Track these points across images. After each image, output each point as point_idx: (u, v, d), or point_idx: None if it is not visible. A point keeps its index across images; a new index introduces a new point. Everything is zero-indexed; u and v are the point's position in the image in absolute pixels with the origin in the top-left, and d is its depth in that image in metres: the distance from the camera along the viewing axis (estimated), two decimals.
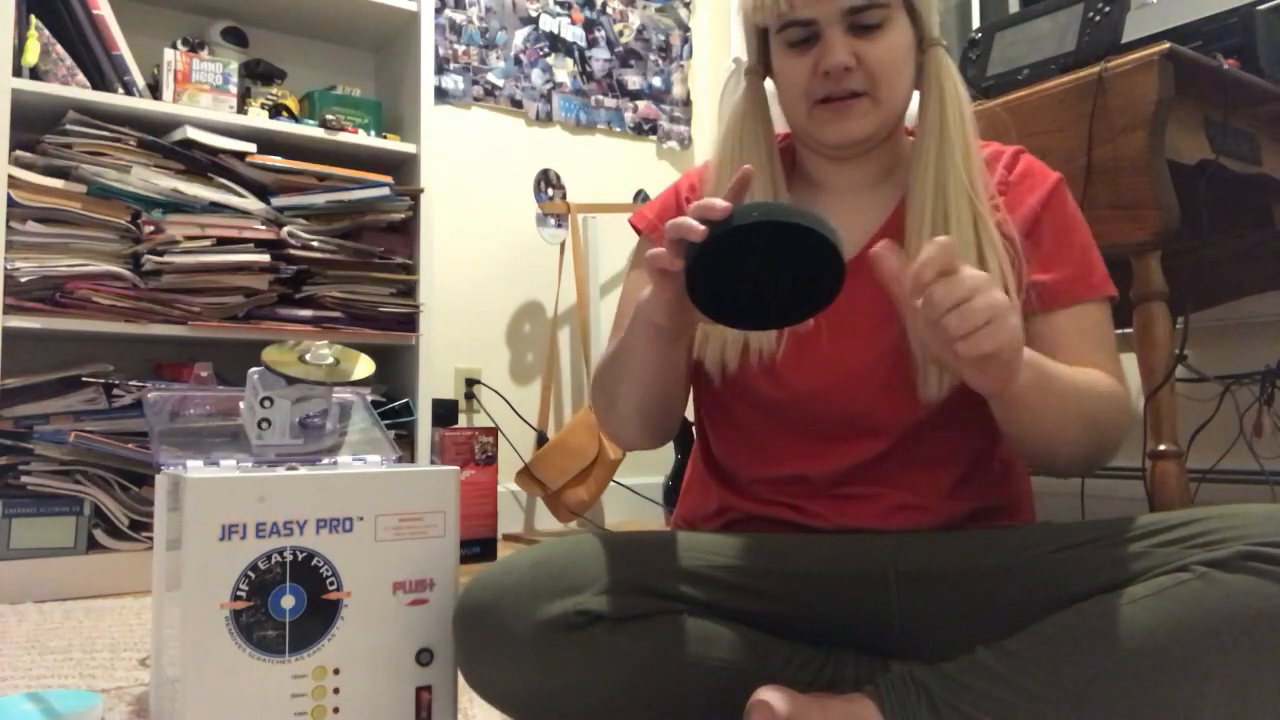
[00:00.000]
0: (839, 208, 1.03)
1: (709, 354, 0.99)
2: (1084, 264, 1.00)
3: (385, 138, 2.34)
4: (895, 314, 0.91)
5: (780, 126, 1.07)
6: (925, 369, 0.93)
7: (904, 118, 1.02)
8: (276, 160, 2.13)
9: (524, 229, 2.89)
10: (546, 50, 2.96)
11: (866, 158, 1.02)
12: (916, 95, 1.01)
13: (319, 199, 2.14)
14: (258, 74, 2.29)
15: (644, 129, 3.15)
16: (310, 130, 2.21)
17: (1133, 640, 0.79)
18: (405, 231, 2.32)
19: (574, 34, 3.02)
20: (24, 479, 1.84)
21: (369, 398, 1.23)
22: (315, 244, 2.12)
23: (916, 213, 0.95)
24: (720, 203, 0.76)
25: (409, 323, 2.28)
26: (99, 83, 1.99)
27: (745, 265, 0.76)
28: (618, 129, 3.10)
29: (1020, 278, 0.94)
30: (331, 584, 0.92)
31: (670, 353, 0.92)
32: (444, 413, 2.45)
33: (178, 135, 2.02)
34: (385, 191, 2.21)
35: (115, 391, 1.93)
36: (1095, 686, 0.79)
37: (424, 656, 0.95)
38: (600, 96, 3.07)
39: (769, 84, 1.05)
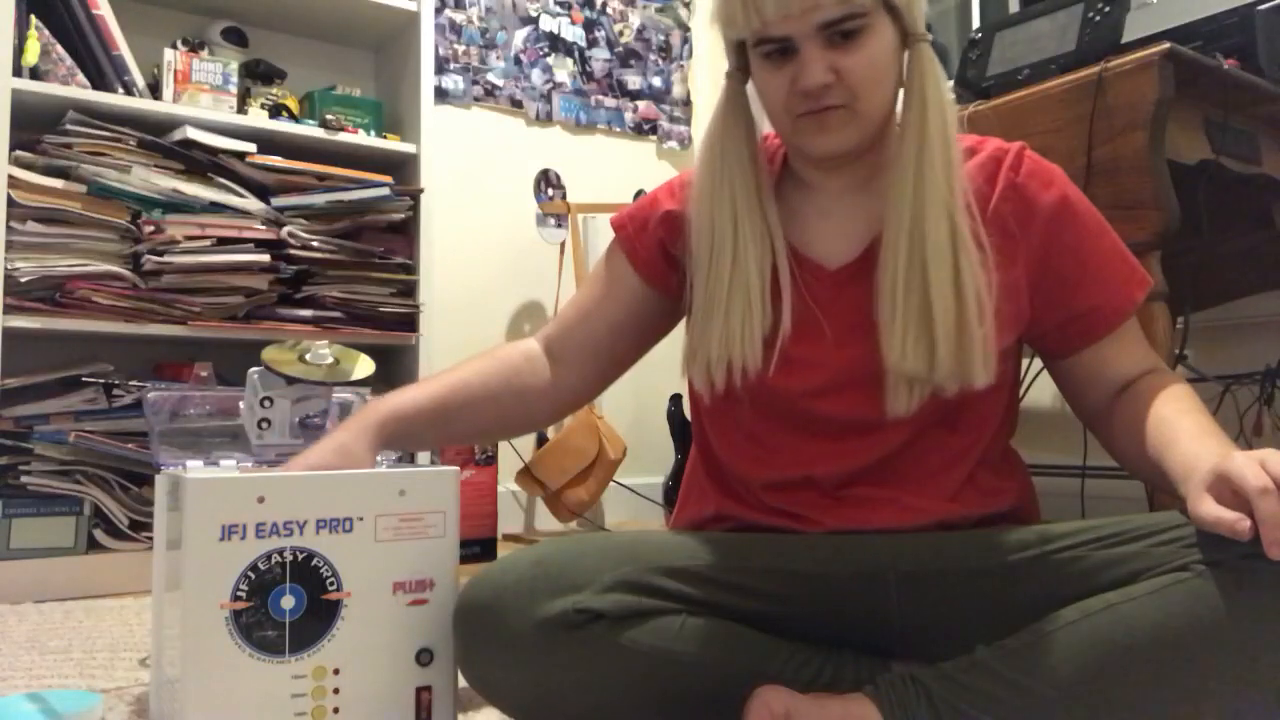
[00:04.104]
0: (833, 210, 1.02)
1: (696, 374, 0.98)
2: (1116, 278, 0.99)
3: (385, 138, 2.34)
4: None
5: (766, 126, 1.03)
6: (893, 386, 0.92)
7: (891, 118, 0.99)
8: (276, 160, 2.13)
9: (524, 229, 2.89)
10: (546, 50, 2.96)
11: (853, 161, 1.00)
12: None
13: (319, 199, 2.14)
14: (258, 74, 2.29)
15: (644, 129, 3.15)
16: (310, 130, 2.21)
17: (1133, 639, 0.79)
18: (405, 231, 2.32)
19: (574, 34, 3.02)
20: (24, 479, 1.84)
21: (369, 398, 1.23)
22: (315, 244, 2.12)
23: (894, 224, 0.93)
24: None
25: (409, 323, 2.27)
26: (99, 83, 1.99)
27: None
28: (618, 129, 3.10)
29: (991, 281, 0.93)
30: (331, 584, 0.92)
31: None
32: None
33: (178, 135, 2.02)
34: (385, 191, 2.21)
35: (115, 391, 1.93)
36: (1096, 685, 0.79)
37: (424, 656, 0.95)
38: (600, 96, 3.07)
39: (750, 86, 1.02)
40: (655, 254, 1.07)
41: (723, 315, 0.96)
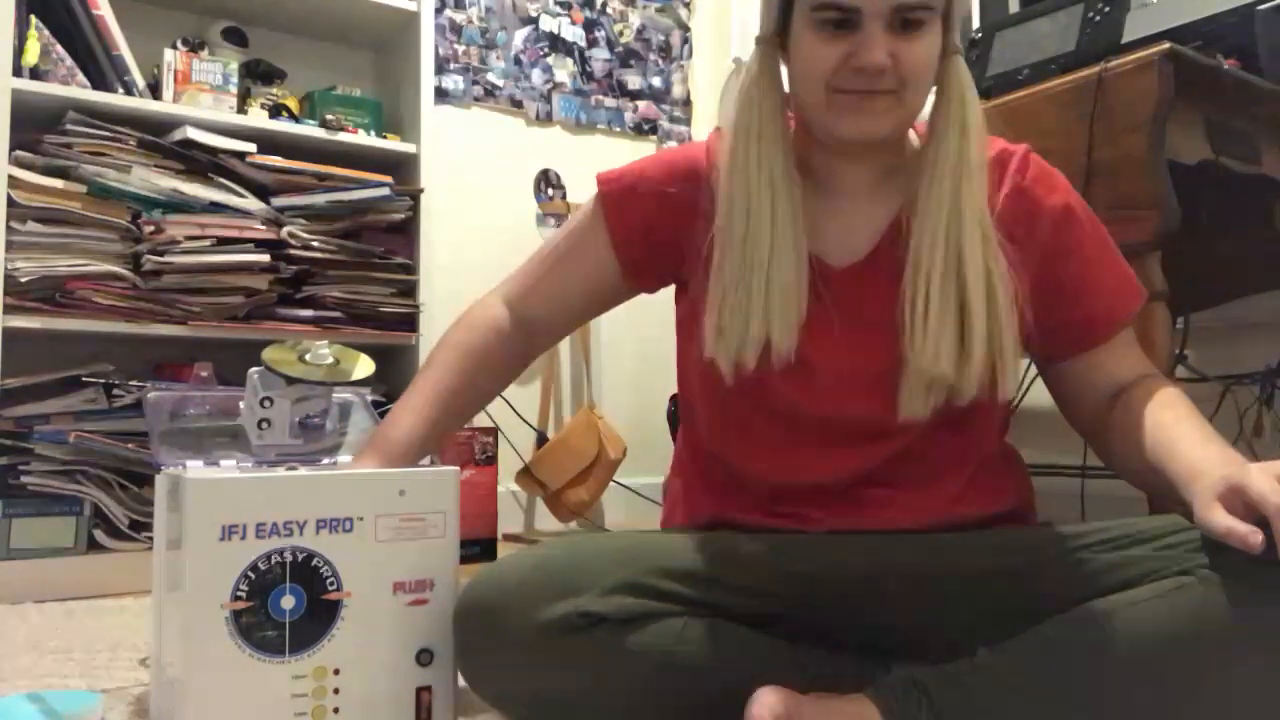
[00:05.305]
0: (843, 208, 1.01)
1: (722, 353, 0.95)
2: (1113, 288, 0.99)
3: (385, 138, 2.34)
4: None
5: None
6: (911, 388, 0.92)
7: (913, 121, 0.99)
8: (276, 160, 2.13)
9: (524, 229, 2.88)
10: (546, 50, 2.96)
11: (872, 155, 0.99)
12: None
13: (319, 199, 2.13)
14: (258, 74, 2.29)
15: (644, 129, 3.15)
16: (310, 130, 2.21)
17: (1135, 642, 0.79)
18: (405, 231, 2.31)
19: (574, 34, 3.02)
20: (24, 479, 1.84)
21: (369, 398, 1.23)
22: (315, 244, 2.12)
23: (929, 227, 0.92)
24: None
25: (409, 323, 2.27)
26: (99, 83, 1.99)
27: None
28: (618, 129, 3.10)
29: (1017, 290, 0.93)
30: (331, 584, 0.92)
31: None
32: None
33: (178, 135, 2.02)
34: (385, 191, 2.21)
35: (115, 391, 1.93)
36: (1096, 688, 0.79)
37: (424, 656, 0.95)
38: (600, 96, 3.06)
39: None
40: (635, 233, 1.05)
41: (763, 293, 0.93)
